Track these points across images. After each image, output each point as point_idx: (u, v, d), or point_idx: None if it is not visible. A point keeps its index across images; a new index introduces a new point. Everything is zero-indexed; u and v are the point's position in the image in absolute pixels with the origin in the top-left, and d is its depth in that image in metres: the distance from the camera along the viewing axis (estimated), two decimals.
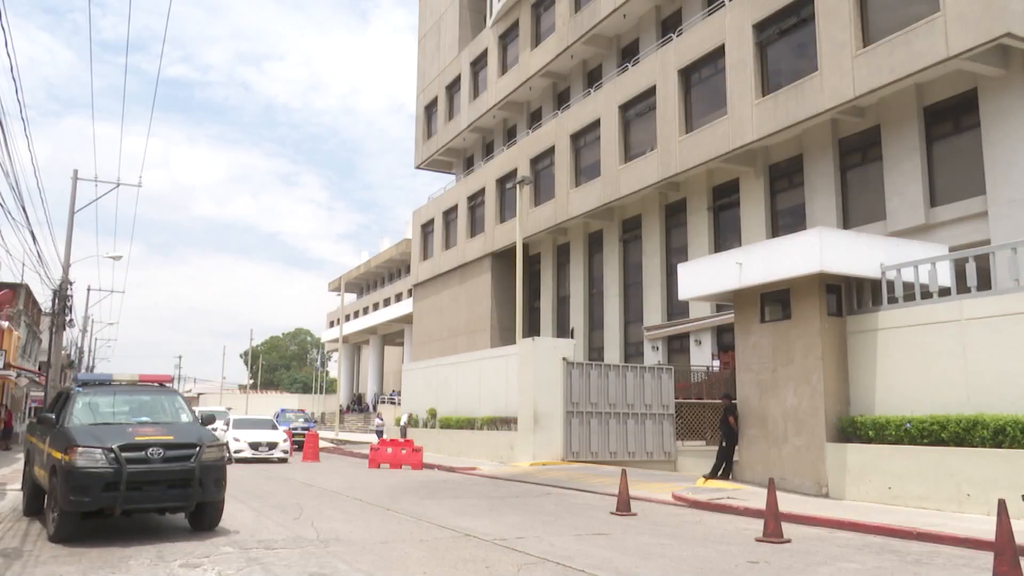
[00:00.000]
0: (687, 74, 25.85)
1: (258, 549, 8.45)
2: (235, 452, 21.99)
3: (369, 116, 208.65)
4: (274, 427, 24.46)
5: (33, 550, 8.37)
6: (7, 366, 29.21)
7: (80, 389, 10.46)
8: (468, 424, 24.90)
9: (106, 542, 8.82)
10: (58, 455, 8.95)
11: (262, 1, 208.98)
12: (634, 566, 7.77)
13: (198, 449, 9.19)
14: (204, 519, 9.67)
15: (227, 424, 23.99)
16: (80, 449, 8.69)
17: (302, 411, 40.79)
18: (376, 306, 65.86)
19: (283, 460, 23.07)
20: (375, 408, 52.70)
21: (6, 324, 31.82)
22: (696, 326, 25.91)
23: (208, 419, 12.88)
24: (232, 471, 19.93)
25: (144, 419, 10.03)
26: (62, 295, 27.05)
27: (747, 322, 15.68)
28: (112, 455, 8.72)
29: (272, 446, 22.78)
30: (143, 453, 8.90)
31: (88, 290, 50.69)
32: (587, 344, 31.99)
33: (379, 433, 30.91)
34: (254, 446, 22.49)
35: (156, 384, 11.11)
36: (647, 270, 28.66)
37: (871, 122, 20.84)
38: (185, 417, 10.41)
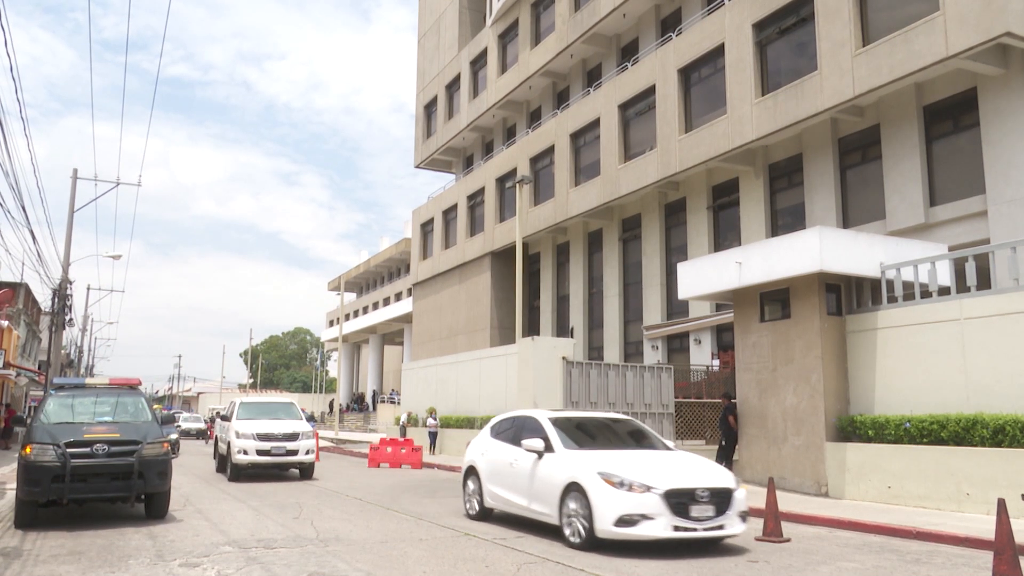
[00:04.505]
0: (687, 73, 25.84)
1: (258, 548, 8.46)
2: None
3: (370, 115, 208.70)
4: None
5: (33, 549, 8.37)
6: (7, 365, 29.20)
7: (53, 392, 11.47)
8: (468, 423, 24.89)
9: (106, 541, 8.83)
10: (22, 451, 9.96)
11: (263, 0, 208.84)
12: (634, 565, 7.78)
13: (140, 446, 10.15)
14: (151, 508, 10.66)
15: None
16: (34, 446, 9.76)
17: (302, 410, 40.65)
18: (376, 305, 65.84)
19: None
20: (375, 407, 52.65)
21: (6, 323, 31.81)
22: (696, 325, 25.90)
23: (167, 419, 13.58)
24: None
25: (105, 419, 10.91)
26: (62, 294, 27.06)
27: (747, 321, 15.68)
28: (59, 451, 9.69)
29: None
30: (88, 449, 9.88)
31: (88, 289, 50.78)
32: (587, 343, 31.99)
33: (433, 435, 25.95)
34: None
35: (125, 387, 11.99)
36: (647, 269, 28.65)
37: (871, 121, 20.84)
38: (145, 417, 11.27)
